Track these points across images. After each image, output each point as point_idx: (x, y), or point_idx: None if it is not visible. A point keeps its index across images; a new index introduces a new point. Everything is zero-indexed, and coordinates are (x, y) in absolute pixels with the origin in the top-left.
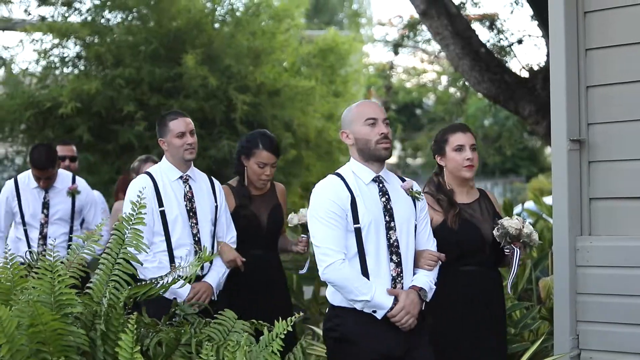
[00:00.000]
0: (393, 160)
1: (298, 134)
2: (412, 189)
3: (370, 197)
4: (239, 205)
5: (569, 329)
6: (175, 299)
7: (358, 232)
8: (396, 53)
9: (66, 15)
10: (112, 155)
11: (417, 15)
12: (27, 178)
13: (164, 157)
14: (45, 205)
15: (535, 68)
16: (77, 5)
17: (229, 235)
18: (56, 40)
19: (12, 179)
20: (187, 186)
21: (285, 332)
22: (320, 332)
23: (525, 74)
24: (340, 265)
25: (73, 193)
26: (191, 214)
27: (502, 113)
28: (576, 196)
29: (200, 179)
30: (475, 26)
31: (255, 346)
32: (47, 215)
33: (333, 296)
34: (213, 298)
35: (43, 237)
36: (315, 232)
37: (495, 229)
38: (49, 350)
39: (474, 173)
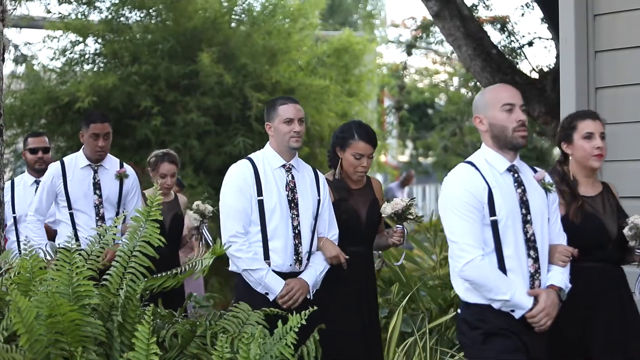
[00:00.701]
0: (405, 158)
1: (312, 132)
2: (544, 180)
3: (506, 188)
4: (339, 199)
5: None
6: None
7: (494, 226)
8: (409, 54)
9: (86, 13)
10: (130, 150)
11: (430, 17)
12: (74, 159)
13: (267, 144)
14: (97, 186)
15: (545, 70)
16: (97, 4)
17: (331, 232)
18: (74, 37)
19: (58, 161)
20: (290, 175)
21: (299, 325)
22: None
23: (535, 76)
24: (480, 261)
25: (121, 177)
26: (292, 204)
27: None
28: None
29: (304, 170)
30: (487, 28)
31: (269, 338)
32: (100, 196)
33: (467, 294)
34: (308, 297)
35: (101, 218)
36: (451, 226)
37: (627, 227)
38: (67, 340)
39: (601, 163)
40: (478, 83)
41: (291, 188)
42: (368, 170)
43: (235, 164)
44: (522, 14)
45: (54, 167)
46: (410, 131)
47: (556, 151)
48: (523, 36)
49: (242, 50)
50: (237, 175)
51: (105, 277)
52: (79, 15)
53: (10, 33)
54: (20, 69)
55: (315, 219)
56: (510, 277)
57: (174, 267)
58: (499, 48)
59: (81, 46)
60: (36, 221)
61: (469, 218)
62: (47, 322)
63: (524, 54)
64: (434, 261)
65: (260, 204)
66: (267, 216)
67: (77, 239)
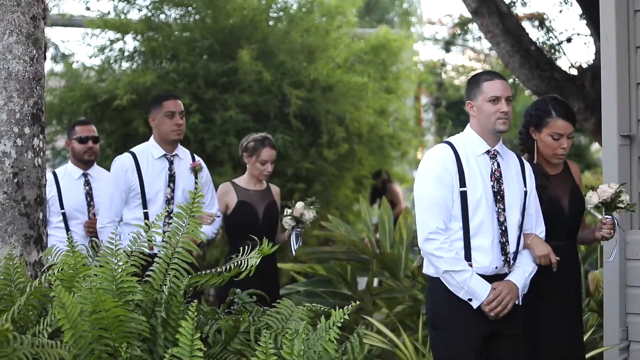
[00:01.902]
0: None
1: (351, 129)
2: None
3: None
4: (537, 186)
5: (618, 321)
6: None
7: None
8: (447, 51)
9: (125, 11)
10: None
11: (467, 14)
12: (146, 149)
13: (467, 126)
14: (172, 178)
15: (584, 66)
16: (138, 1)
17: (539, 228)
18: (112, 35)
19: (127, 153)
20: (495, 163)
21: (342, 320)
22: (374, 321)
23: (574, 72)
24: None
25: (196, 170)
26: (498, 197)
27: None
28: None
29: (508, 157)
30: (525, 25)
31: (312, 334)
32: (173, 190)
33: None
34: (517, 302)
35: (169, 214)
36: None
37: None
38: (111, 336)
39: None
40: (517, 79)
41: (497, 178)
42: (567, 153)
43: (433, 149)
44: (560, 11)
45: (125, 160)
46: (448, 128)
47: (594, 147)
48: (561, 32)
49: (281, 48)
50: (436, 162)
51: (148, 273)
52: (118, 13)
53: (48, 31)
54: (59, 67)
55: (522, 213)
56: None
57: (269, 262)
58: (538, 44)
59: (120, 44)
60: (116, 227)
61: None
62: (92, 318)
63: (562, 50)
64: None
65: (463, 195)
66: (470, 210)
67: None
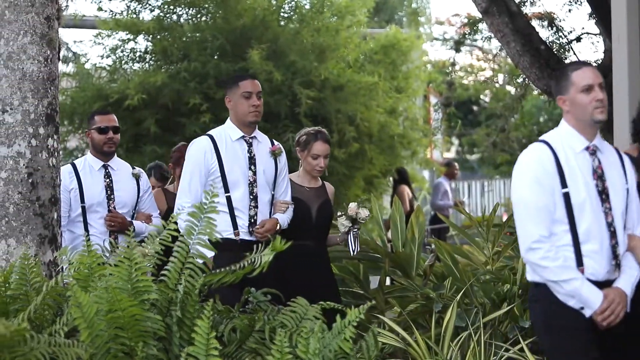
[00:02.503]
0: (451, 155)
1: (361, 128)
2: None
3: None
4: None
5: None
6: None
7: None
8: (457, 51)
9: (137, 11)
10: None
11: (475, 14)
12: (223, 131)
13: (562, 122)
14: (252, 161)
15: (593, 65)
16: (150, 2)
17: (639, 227)
18: (124, 35)
19: (204, 136)
20: (596, 160)
21: (357, 319)
22: (386, 320)
23: None
24: None
25: (276, 155)
26: (604, 196)
27: (557, 110)
28: None
29: (608, 152)
30: (534, 24)
31: (327, 333)
32: (255, 173)
33: None
34: (626, 309)
35: (254, 198)
36: None
37: None
38: (127, 335)
39: None
40: (527, 79)
41: (599, 175)
42: None
43: (529, 150)
44: (570, 10)
45: (203, 142)
46: (458, 128)
47: None
48: (570, 32)
49: (291, 48)
50: (534, 163)
51: (163, 272)
52: (130, 14)
53: (60, 32)
54: (69, 67)
55: (625, 211)
56: None
57: (321, 262)
58: (547, 44)
59: (131, 44)
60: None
61: None
62: (108, 318)
63: (572, 49)
64: (485, 256)
65: (566, 197)
66: (575, 213)
67: (235, 227)
